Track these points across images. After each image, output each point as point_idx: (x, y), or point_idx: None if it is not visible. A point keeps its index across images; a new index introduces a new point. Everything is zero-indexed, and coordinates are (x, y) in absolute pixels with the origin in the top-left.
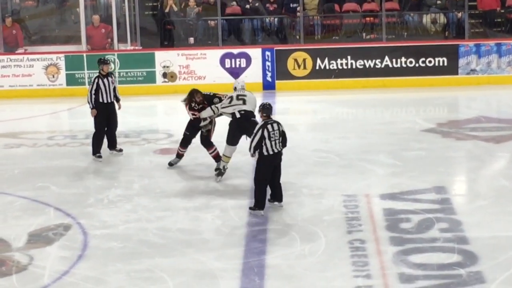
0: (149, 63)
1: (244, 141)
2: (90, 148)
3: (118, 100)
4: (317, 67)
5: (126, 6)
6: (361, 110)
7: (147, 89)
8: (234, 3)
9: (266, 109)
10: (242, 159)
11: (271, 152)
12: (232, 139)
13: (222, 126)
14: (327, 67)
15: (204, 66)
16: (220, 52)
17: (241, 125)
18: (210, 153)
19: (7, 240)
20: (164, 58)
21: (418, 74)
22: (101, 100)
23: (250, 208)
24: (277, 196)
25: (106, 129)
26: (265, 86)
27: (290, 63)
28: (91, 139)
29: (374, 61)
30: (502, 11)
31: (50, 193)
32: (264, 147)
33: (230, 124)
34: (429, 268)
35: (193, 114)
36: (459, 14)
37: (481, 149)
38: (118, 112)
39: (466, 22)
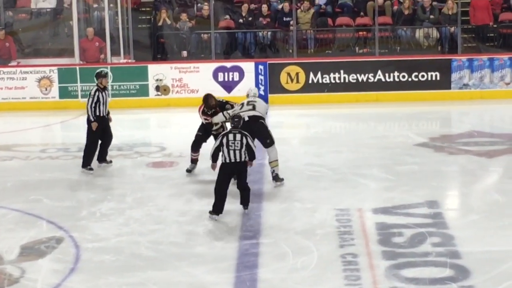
0: (142, 76)
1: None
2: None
3: (108, 113)
4: (310, 81)
5: (120, 20)
6: (354, 124)
7: (140, 102)
8: (228, 16)
9: (234, 120)
10: None
11: (227, 160)
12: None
13: None
14: (320, 81)
15: (197, 80)
16: (213, 65)
17: (250, 128)
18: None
19: None
20: (157, 71)
21: (411, 89)
22: (97, 113)
23: (209, 212)
24: (242, 200)
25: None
26: None
27: (283, 77)
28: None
29: (367, 75)
30: (495, 26)
31: (42, 206)
32: (222, 155)
33: (241, 128)
34: (422, 283)
35: (205, 119)
36: (452, 29)
37: (473, 163)
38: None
39: (459, 37)
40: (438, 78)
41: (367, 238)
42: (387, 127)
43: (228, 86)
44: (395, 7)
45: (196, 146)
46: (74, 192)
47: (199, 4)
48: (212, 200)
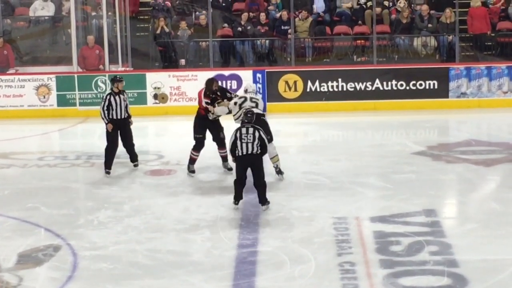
0: (140, 84)
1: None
2: (80, 169)
3: (129, 116)
4: (308, 90)
5: (118, 28)
6: (352, 132)
7: (138, 110)
8: (226, 25)
9: (247, 116)
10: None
11: (240, 154)
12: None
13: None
14: (318, 90)
15: (195, 88)
16: (211, 73)
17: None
18: (221, 153)
19: None
20: (155, 79)
21: (409, 97)
22: (110, 117)
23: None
24: (259, 198)
25: (117, 145)
26: None
27: (281, 85)
28: (81, 160)
29: (364, 83)
30: (493, 34)
31: (40, 213)
32: (237, 149)
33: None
34: None
35: (206, 103)
36: (450, 38)
37: (471, 172)
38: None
39: (456, 46)
40: (436, 87)
41: (364, 246)
42: (384, 135)
43: None
44: (393, 16)
45: (198, 147)
46: (72, 200)
47: (197, 13)
48: (209, 209)
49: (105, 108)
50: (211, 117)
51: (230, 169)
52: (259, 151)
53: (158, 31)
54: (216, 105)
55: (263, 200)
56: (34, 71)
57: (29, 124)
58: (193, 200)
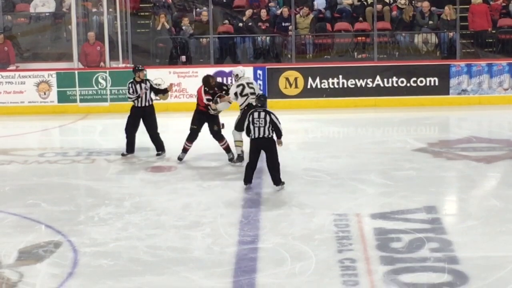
0: None
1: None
2: (81, 166)
3: (165, 91)
4: (309, 86)
5: (118, 24)
6: (353, 129)
7: None
8: (227, 21)
9: (260, 100)
10: (233, 176)
11: (253, 137)
12: (243, 126)
13: None
14: (319, 86)
15: (196, 84)
16: (212, 70)
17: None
18: (222, 145)
19: None
20: (156, 76)
21: (409, 94)
22: (134, 104)
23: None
24: (273, 179)
25: (135, 130)
26: None
27: (282, 82)
28: (82, 156)
29: (365, 80)
30: (494, 31)
31: (40, 210)
32: (250, 132)
33: (243, 113)
34: None
35: (208, 99)
36: (451, 34)
37: (472, 169)
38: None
39: (457, 42)
40: (436, 84)
41: (365, 243)
42: (385, 132)
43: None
44: (394, 13)
45: (192, 137)
46: (72, 196)
47: (198, 9)
48: (210, 206)
49: (130, 92)
50: (212, 112)
51: (238, 159)
52: (271, 134)
53: (159, 28)
54: (218, 100)
55: (278, 181)
56: (34, 68)
57: (30, 120)
58: (193, 196)
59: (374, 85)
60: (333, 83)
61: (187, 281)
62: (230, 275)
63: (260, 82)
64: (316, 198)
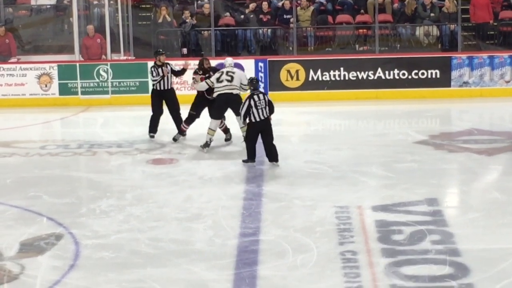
0: (142, 73)
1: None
2: (82, 158)
3: (183, 71)
4: (310, 79)
5: (120, 16)
6: (354, 121)
7: (140, 99)
8: (228, 14)
9: (253, 83)
10: (235, 169)
11: (257, 119)
12: (218, 114)
13: None
14: (320, 79)
15: None
16: (213, 62)
17: (227, 101)
18: (220, 127)
19: None
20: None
21: (411, 86)
22: (155, 88)
23: (243, 161)
24: (273, 156)
25: (161, 112)
26: None
27: (283, 74)
28: (83, 149)
29: (367, 72)
30: (495, 24)
31: (42, 202)
32: (252, 115)
33: (217, 100)
34: (421, 280)
35: (193, 78)
36: (452, 27)
37: (473, 161)
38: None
39: (459, 35)
40: (438, 76)
41: (366, 235)
42: (386, 124)
43: None
44: (395, 5)
45: (190, 121)
46: (74, 188)
47: (199, 2)
48: (211, 198)
49: (154, 75)
50: (196, 87)
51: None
52: (268, 114)
53: (160, 20)
54: (199, 80)
55: (276, 158)
56: (36, 60)
57: (31, 113)
58: (195, 189)
59: (375, 78)
60: (334, 76)
61: (189, 273)
62: (232, 267)
63: (261, 74)
64: (317, 190)
